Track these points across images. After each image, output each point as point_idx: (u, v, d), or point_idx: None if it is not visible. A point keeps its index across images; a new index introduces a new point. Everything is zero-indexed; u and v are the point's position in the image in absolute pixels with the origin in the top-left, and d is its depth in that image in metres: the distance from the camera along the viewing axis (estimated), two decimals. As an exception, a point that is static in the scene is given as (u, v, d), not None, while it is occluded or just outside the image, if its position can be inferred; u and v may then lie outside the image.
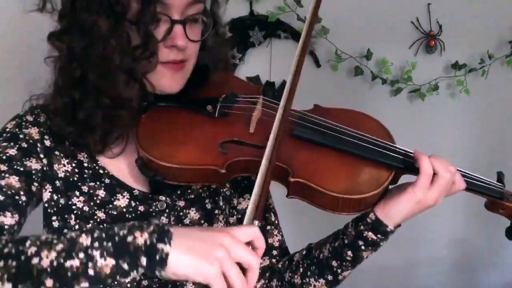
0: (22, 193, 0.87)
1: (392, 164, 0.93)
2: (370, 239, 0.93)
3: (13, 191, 0.86)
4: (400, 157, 0.93)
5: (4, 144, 0.90)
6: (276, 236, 1.10)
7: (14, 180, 0.87)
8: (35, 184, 0.90)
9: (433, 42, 2.23)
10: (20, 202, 0.86)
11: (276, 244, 1.10)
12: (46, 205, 0.93)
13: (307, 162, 0.91)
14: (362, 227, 0.93)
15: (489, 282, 2.58)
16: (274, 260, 1.09)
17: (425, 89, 2.25)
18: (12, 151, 0.89)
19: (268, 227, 1.10)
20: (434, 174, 0.90)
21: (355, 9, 2.09)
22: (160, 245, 0.68)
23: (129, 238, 0.68)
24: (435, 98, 2.26)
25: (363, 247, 0.94)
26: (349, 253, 0.95)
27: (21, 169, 0.89)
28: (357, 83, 2.19)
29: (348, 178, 0.91)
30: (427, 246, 2.44)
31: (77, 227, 0.92)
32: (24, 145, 0.91)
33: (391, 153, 0.93)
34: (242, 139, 0.92)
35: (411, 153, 0.94)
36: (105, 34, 0.84)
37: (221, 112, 0.95)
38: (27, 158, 0.90)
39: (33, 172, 0.90)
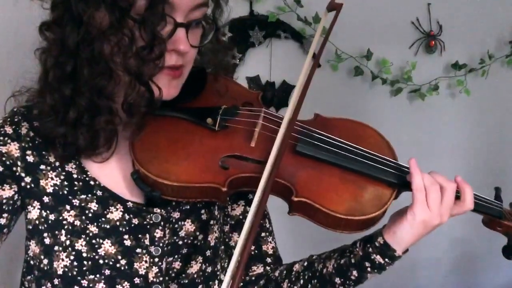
0: None
1: (395, 182, 0.91)
2: (377, 262, 0.92)
3: None
4: (403, 175, 0.91)
5: None
6: (270, 243, 1.08)
7: None
8: (4, 215, 0.87)
9: (433, 42, 2.23)
10: None
11: (270, 251, 1.08)
12: (37, 222, 0.89)
13: (310, 181, 0.89)
14: (370, 250, 0.92)
15: (489, 282, 2.58)
16: (268, 268, 1.07)
17: (425, 89, 2.25)
18: None
19: (263, 234, 1.08)
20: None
21: (355, 9, 2.09)
22: None
23: None
24: (435, 98, 2.26)
25: (369, 269, 0.93)
26: (355, 272, 0.94)
27: None
28: (357, 83, 2.18)
29: (352, 198, 0.89)
30: (427, 246, 2.43)
31: (68, 242, 0.88)
32: (0, 169, 0.87)
33: (394, 171, 0.92)
34: (243, 154, 0.90)
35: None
36: (105, 30, 0.78)
37: (221, 125, 0.91)
38: (0, 186, 0.87)
39: (4, 202, 0.87)
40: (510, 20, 2.35)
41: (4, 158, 0.87)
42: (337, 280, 0.96)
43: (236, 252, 0.75)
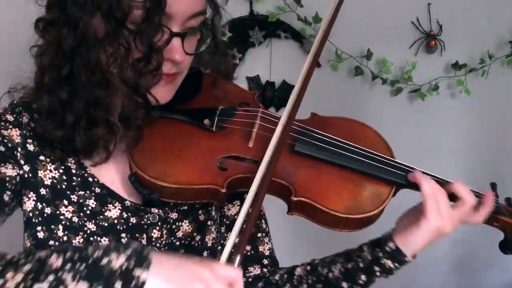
0: None
1: (393, 180, 0.92)
2: (387, 266, 0.92)
3: None
4: (401, 173, 0.92)
5: None
6: (267, 244, 1.07)
7: None
8: (8, 192, 0.84)
9: (433, 42, 2.23)
10: None
11: (267, 252, 1.07)
12: (31, 214, 0.87)
13: (309, 180, 0.89)
14: (380, 254, 0.92)
15: (489, 282, 2.58)
16: (265, 270, 1.06)
17: (425, 89, 2.25)
18: None
19: (259, 235, 1.07)
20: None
21: (355, 9, 2.09)
22: (137, 272, 0.64)
23: (104, 261, 0.64)
24: (435, 98, 2.26)
25: (377, 273, 0.93)
26: (363, 277, 0.94)
27: None
28: (357, 83, 2.19)
29: (351, 197, 0.90)
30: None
31: (65, 238, 0.87)
32: (2, 148, 0.85)
33: (392, 169, 0.92)
34: (241, 155, 0.89)
35: (409, 167, 0.93)
36: (101, 38, 0.77)
37: (218, 126, 0.91)
38: (2, 164, 0.84)
39: (7, 179, 0.84)
40: (510, 20, 2.35)
41: (5, 140, 0.86)
42: (344, 284, 0.96)
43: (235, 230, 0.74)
